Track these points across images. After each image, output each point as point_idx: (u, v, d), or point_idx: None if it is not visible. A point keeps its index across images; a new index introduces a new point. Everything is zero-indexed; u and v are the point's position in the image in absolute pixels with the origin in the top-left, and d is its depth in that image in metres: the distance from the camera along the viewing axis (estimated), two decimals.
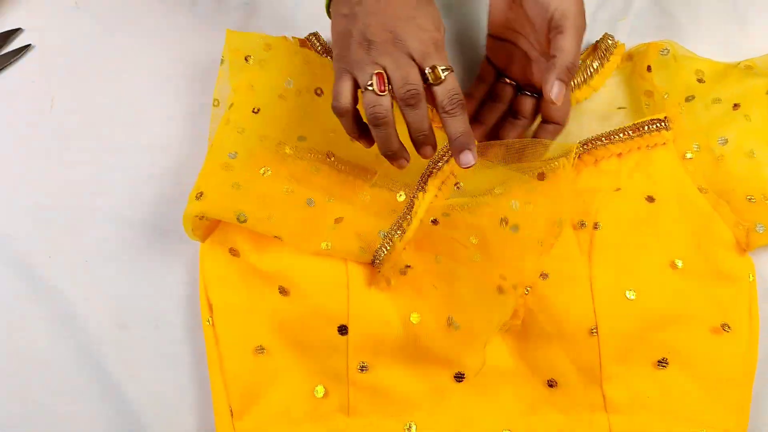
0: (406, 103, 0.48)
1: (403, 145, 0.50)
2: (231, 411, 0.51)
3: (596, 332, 0.50)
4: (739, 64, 0.59)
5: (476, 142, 0.49)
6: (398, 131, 0.49)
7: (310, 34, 0.63)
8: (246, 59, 0.59)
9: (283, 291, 0.52)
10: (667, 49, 0.59)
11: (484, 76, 0.59)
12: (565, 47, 0.49)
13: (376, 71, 0.47)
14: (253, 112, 0.57)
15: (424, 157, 0.50)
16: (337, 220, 0.53)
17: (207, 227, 0.55)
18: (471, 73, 0.63)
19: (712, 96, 0.58)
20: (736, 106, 0.57)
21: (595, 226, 0.53)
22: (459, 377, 0.51)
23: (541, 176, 0.52)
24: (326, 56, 0.61)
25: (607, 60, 0.61)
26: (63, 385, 0.55)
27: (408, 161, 0.50)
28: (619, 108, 0.61)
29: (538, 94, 0.58)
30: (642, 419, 0.50)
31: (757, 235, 0.54)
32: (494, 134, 0.59)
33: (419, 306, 0.51)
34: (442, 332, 0.50)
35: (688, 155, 0.56)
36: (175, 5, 0.68)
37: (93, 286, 0.57)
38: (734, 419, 0.50)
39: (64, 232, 0.59)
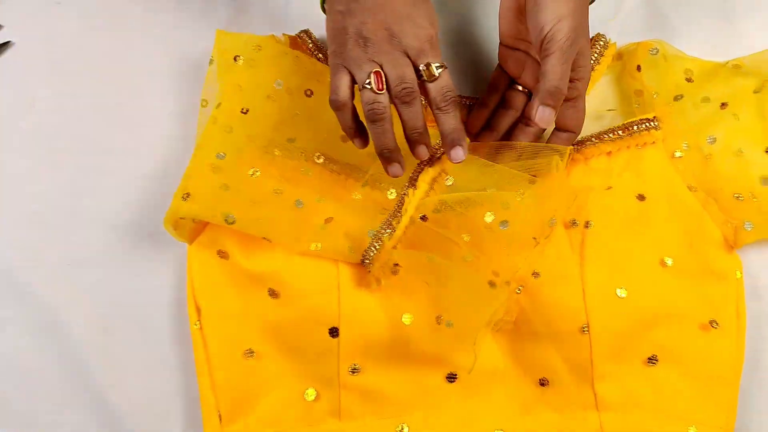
0: (401, 100, 0.48)
1: (398, 147, 0.49)
2: (220, 416, 0.51)
3: (587, 330, 0.50)
4: (727, 63, 0.60)
5: (468, 140, 0.49)
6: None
7: (302, 32, 0.62)
8: (235, 59, 0.58)
9: (273, 293, 0.51)
10: (656, 48, 0.59)
11: (496, 84, 0.59)
12: (548, 71, 0.49)
13: (374, 70, 0.47)
14: (242, 112, 0.57)
15: (418, 157, 0.50)
16: (327, 221, 0.53)
17: (193, 228, 0.54)
18: (465, 70, 0.63)
19: (701, 95, 0.58)
20: (724, 105, 0.58)
21: (587, 225, 0.53)
22: (451, 378, 0.51)
23: (534, 176, 0.52)
24: (318, 54, 0.61)
25: (600, 60, 0.61)
26: (46, 393, 0.54)
27: (403, 169, 0.50)
28: (609, 110, 0.61)
29: None
30: (633, 417, 0.50)
31: (745, 232, 0.54)
32: (506, 140, 0.59)
33: (411, 307, 0.50)
34: (434, 332, 0.50)
35: (678, 154, 0.57)
36: (162, 0, 0.67)
37: (76, 290, 0.56)
38: (724, 416, 0.51)
39: (47, 235, 0.58)
